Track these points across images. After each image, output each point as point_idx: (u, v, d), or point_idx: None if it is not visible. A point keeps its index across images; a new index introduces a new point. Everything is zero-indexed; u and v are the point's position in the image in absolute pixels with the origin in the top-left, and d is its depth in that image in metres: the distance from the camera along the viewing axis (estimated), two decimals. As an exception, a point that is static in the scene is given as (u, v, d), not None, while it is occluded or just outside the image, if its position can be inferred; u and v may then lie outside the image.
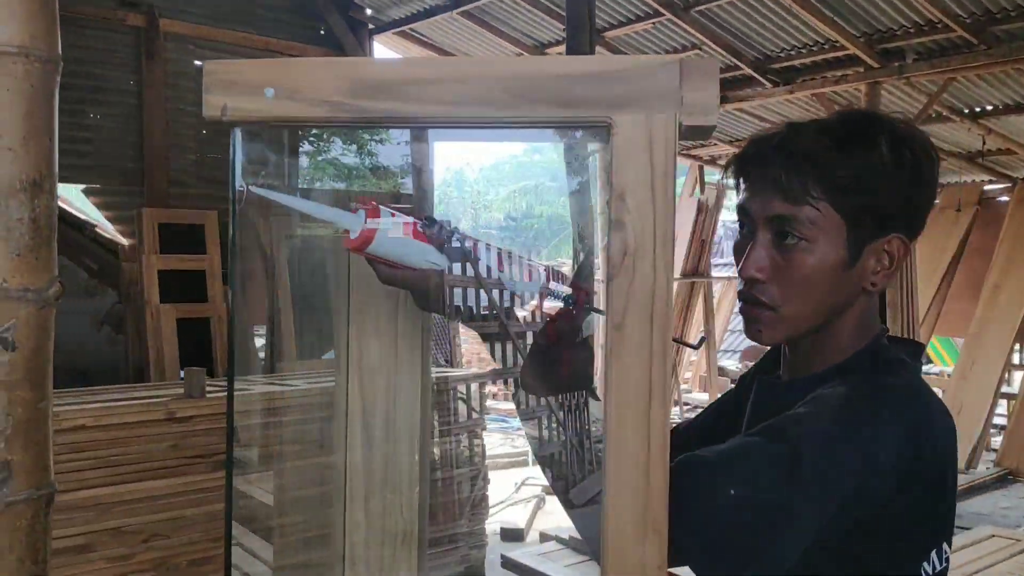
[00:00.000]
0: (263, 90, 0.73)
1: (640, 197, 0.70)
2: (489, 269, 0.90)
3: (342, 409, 1.08)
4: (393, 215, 0.87)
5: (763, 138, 0.97)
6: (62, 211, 5.30)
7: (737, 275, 0.99)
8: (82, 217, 6.02)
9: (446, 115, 0.72)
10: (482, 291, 0.91)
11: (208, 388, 3.41)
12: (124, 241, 5.97)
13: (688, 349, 9.74)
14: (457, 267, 0.88)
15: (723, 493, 0.83)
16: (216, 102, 0.74)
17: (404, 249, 0.87)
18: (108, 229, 6.07)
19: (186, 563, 3.25)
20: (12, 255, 0.96)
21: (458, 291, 0.90)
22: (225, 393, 0.98)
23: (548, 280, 0.94)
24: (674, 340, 1.39)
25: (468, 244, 0.89)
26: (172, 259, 5.61)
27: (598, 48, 5.99)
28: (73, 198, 6.34)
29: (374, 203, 0.86)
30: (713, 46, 6.52)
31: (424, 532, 1.12)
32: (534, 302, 0.95)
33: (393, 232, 0.86)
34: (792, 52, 6.62)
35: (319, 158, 4.80)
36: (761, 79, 6.89)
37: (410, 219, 0.87)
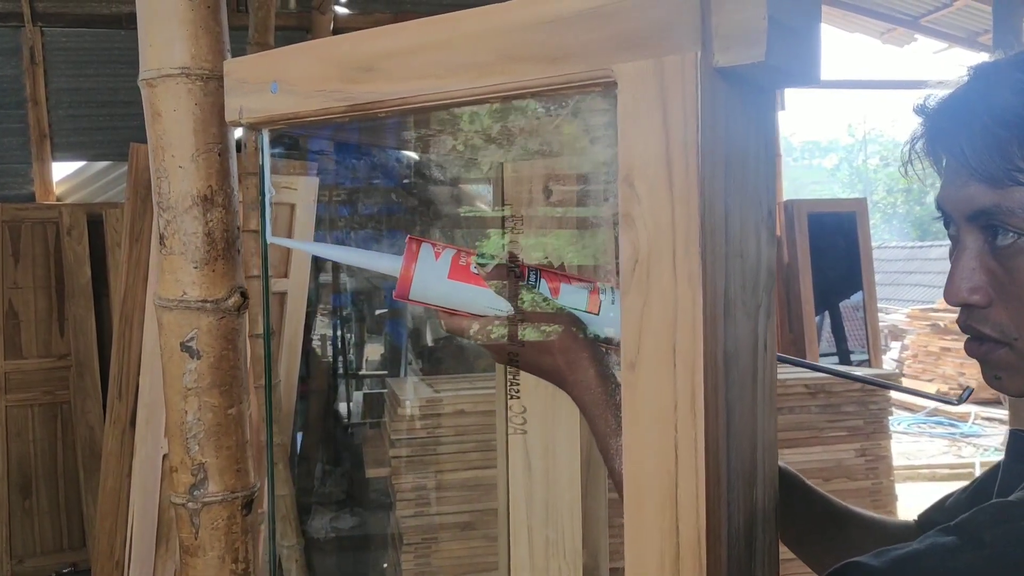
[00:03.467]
0: (269, 85, 0.65)
1: (653, 180, 0.48)
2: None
3: (502, 434, 0.97)
4: (438, 254, 0.72)
5: (942, 99, 0.65)
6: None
7: (944, 299, 0.67)
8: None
9: (433, 91, 0.57)
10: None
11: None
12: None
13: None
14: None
15: None
16: (234, 105, 0.67)
17: (457, 295, 0.71)
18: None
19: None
20: (190, 268, 1.00)
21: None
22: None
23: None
24: (926, 396, 1.03)
25: (540, 281, 0.71)
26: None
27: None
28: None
29: (411, 238, 0.72)
30: None
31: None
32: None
33: (437, 273, 0.71)
34: None
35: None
36: None
37: (454, 249, 0.72)
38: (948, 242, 0.68)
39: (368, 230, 4.61)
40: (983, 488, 0.78)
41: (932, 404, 7.95)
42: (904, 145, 0.69)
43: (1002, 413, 7.36)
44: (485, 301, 0.71)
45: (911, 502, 3.36)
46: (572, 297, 0.73)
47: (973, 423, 7.55)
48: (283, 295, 3.42)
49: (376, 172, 4.53)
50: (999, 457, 0.77)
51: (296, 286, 3.50)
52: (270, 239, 0.80)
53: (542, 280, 0.73)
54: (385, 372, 5.34)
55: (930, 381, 8.81)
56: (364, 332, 5.58)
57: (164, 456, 2.74)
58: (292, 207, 3.29)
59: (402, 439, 3.11)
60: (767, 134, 0.53)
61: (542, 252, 1.01)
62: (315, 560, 3.68)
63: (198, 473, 1.05)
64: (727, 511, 0.49)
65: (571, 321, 0.71)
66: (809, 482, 0.95)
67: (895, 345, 10.14)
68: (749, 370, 0.52)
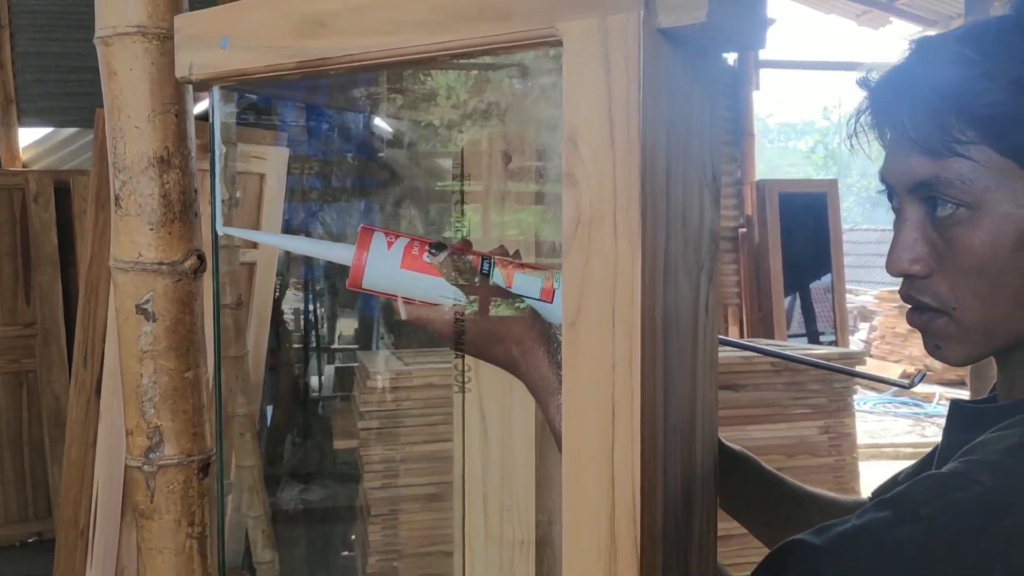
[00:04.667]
0: (219, 41, 0.64)
1: (595, 140, 0.48)
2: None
3: (459, 408, 0.97)
4: (390, 244, 0.72)
5: (886, 72, 0.66)
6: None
7: (886, 270, 0.68)
8: None
9: (381, 47, 0.57)
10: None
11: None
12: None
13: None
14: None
15: None
16: (184, 60, 0.66)
17: (409, 284, 0.71)
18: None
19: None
20: (146, 230, 0.99)
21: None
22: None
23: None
24: (875, 378, 1.04)
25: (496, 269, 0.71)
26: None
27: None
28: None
29: (363, 227, 0.72)
30: None
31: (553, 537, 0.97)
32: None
33: (389, 263, 0.71)
34: None
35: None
36: None
37: (407, 238, 0.72)
38: None
39: (340, 202, 4.59)
40: (928, 460, 0.80)
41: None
42: (849, 119, 0.70)
43: (966, 394, 7.48)
44: (437, 290, 0.71)
45: (875, 479, 3.40)
46: (526, 285, 0.73)
47: (937, 403, 7.68)
48: (252, 266, 3.39)
49: (348, 143, 4.50)
50: None
51: (265, 257, 3.47)
52: (220, 230, 0.80)
53: (496, 268, 0.74)
54: (356, 345, 5.33)
55: (897, 362, 8.93)
56: (336, 305, 5.57)
57: (129, 425, 2.72)
58: (262, 177, 3.26)
59: (371, 411, 3.11)
60: (712, 98, 0.54)
61: (503, 228, 1.01)
62: (282, 531, 3.68)
63: (153, 436, 1.04)
64: (663, 469, 0.50)
65: (524, 310, 0.71)
66: (767, 465, 0.96)
67: (864, 326, 10.26)
68: (689, 332, 0.53)
